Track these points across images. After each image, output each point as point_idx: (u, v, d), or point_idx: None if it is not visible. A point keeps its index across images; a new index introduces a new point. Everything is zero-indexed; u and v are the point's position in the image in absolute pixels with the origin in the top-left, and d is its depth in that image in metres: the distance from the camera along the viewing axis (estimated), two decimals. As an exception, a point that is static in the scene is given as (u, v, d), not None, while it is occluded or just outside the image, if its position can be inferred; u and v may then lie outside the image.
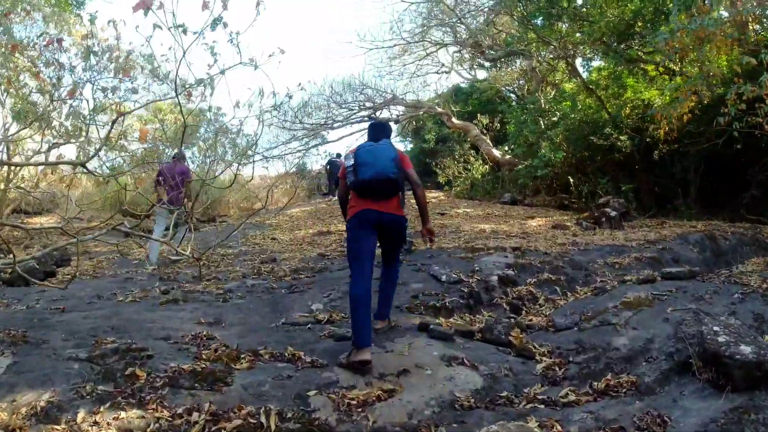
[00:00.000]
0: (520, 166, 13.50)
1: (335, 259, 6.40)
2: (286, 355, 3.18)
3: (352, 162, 3.36)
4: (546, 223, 9.81)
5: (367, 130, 3.83)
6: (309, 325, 3.91)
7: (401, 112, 17.58)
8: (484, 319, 4.11)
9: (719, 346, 2.51)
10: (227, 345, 3.28)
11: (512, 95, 20.43)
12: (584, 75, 14.24)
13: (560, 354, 3.35)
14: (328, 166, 16.24)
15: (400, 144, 26.83)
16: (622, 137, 11.31)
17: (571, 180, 12.11)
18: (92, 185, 13.42)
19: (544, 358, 3.31)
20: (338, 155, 16.53)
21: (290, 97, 5.99)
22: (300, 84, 9.68)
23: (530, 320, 4.16)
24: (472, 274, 5.00)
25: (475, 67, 24.98)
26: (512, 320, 4.13)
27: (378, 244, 3.43)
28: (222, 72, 3.41)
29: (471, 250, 6.05)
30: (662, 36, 7.13)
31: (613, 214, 8.75)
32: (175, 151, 8.31)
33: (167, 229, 5.97)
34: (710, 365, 2.53)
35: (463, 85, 23.22)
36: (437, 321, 3.95)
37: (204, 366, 2.82)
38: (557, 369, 3.16)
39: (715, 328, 2.66)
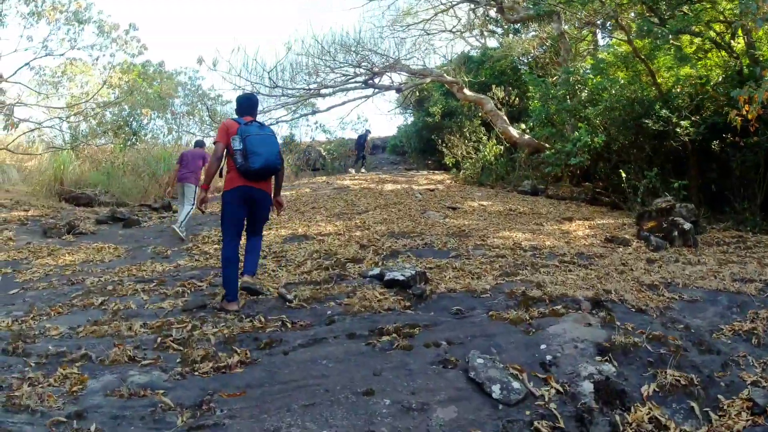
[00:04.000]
0: (548, 152, 11.24)
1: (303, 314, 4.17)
2: None
3: (240, 147, 3.67)
4: (593, 231, 7.67)
5: (239, 102, 4.08)
6: None
7: (403, 80, 15.16)
8: None
9: None
10: None
11: (527, 67, 17.92)
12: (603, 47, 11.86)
13: None
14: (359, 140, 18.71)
15: (400, 117, 24.42)
16: (683, 122, 9.07)
17: (622, 173, 9.87)
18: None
19: None
20: (368, 131, 19.92)
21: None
22: (288, 44, 7.32)
23: None
24: (544, 373, 2.86)
25: (485, 33, 22.39)
26: None
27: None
28: None
29: (525, 305, 3.90)
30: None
31: (687, 226, 6.61)
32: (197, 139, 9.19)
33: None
34: None
35: (473, 53, 20.71)
36: None
37: None
38: None
39: None
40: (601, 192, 11.97)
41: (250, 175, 3.72)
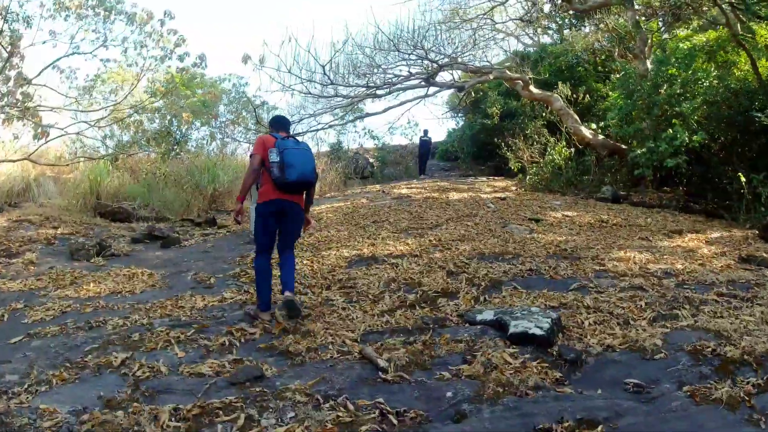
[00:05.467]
0: (638, 152, 9.68)
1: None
2: None
3: (278, 159, 3.69)
4: (717, 247, 6.19)
5: (273, 119, 4.32)
6: None
7: (460, 78, 13.84)
8: None
9: None
10: None
11: (587, 63, 16.23)
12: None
13: None
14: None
15: (452, 121, 22.94)
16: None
17: (741, 177, 8.26)
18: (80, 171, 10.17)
19: None
20: (426, 131, 18.41)
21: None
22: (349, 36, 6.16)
23: None
24: None
25: (539, 31, 20.83)
26: None
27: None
28: None
29: (725, 371, 2.58)
30: None
31: None
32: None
33: None
34: None
35: (530, 50, 19.19)
36: None
37: None
38: None
39: None
40: (695, 198, 10.34)
41: (286, 188, 3.77)
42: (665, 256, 5.70)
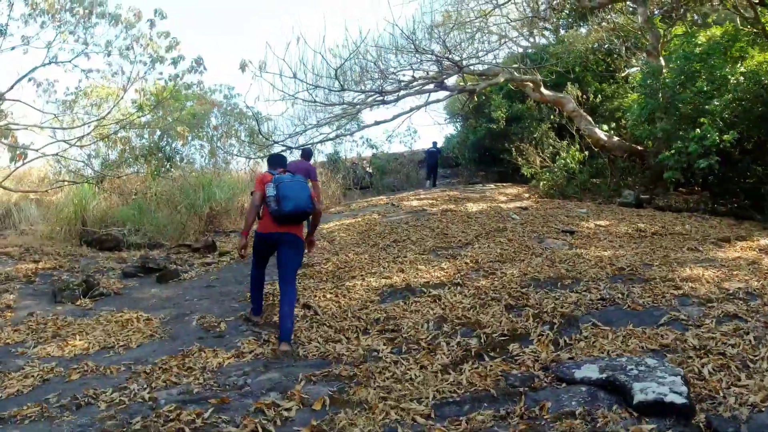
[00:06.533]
0: (666, 153, 9.04)
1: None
2: None
3: (274, 193, 3.87)
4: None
5: (270, 158, 4.53)
6: None
7: (458, 80, 13.12)
8: None
9: None
10: None
11: (591, 63, 15.66)
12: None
13: None
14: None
15: (451, 127, 22.19)
16: None
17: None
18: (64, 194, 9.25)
19: None
20: (434, 143, 17.78)
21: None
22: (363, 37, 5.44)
23: None
24: None
25: (534, 33, 20.31)
26: None
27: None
28: None
29: None
30: None
31: None
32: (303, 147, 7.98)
33: None
34: None
35: (529, 52, 18.61)
36: None
37: None
38: None
39: None
40: (720, 200, 9.79)
41: (282, 219, 3.89)
42: (733, 272, 5.02)
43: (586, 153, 12.11)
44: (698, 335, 3.40)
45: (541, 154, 12.83)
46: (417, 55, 7.58)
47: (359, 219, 8.79)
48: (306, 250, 4.30)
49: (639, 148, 12.00)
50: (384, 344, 3.53)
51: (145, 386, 2.97)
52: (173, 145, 11.07)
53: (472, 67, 11.64)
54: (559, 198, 11.50)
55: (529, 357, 3.15)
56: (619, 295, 4.16)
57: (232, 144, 15.61)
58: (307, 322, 4.14)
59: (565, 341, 3.39)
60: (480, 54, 10.23)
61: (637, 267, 5.11)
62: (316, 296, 4.74)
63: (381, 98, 7.53)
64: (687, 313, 3.82)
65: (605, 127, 12.71)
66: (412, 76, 9.63)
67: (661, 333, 3.49)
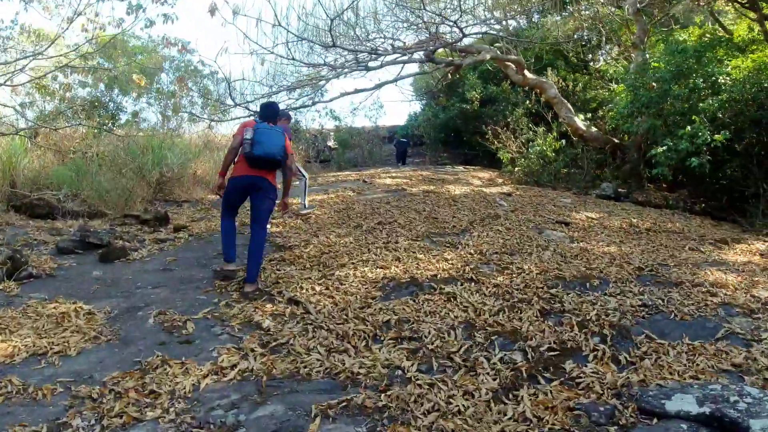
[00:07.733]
0: (658, 150, 8.73)
1: None
2: None
3: (250, 137, 3.98)
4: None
5: (262, 107, 4.45)
6: None
7: (445, 53, 12.36)
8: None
9: None
10: None
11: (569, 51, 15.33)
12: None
13: None
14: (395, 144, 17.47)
15: (417, 104, 21.46)
16: None
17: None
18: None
19: None
20: (404, 135, 18.20)
21: None
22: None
23: None
24: None
25: (508, 15, 19.77)
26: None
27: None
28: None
29: None
30: None
31: None
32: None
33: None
34: None
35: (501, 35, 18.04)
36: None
37: None
38: None
39: None
40: (698, 199, 9.74)
41: (253, 162, 3.98)
42: (754, 278, 4.67)
43: (563, 141, 11.78)
44: (763, 352, 2.94)
45: (516, 138, 12.39)
46: (420, 12, 6.73)
47: (332, 195, 7.96)
48: (279, 210, 4.56)
49: (615, 140, 11.80)
50: (407, 358, 2.82)
51: (93, 423, 2.11)
52: (122, 99, 9.69)
53: (465, 39, 10.87)
54: (533, 185, 11.14)
55: (593, 379, 2.55)
56: (660, 301, 3.64)
57: (184, 106, 14.20)
58: (298, 324, 3.35)
59: (625, 358, 2.82)
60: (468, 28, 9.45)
61: (656, 267, 4.67)
62: (303, 288, 3.94)
63: (368, 58, 6.65)
64: (738, 324, 3.37)
65: (581, 116, 12.43)
66: (403, 43, 8.76)
67: (724, 349, 3.00)
